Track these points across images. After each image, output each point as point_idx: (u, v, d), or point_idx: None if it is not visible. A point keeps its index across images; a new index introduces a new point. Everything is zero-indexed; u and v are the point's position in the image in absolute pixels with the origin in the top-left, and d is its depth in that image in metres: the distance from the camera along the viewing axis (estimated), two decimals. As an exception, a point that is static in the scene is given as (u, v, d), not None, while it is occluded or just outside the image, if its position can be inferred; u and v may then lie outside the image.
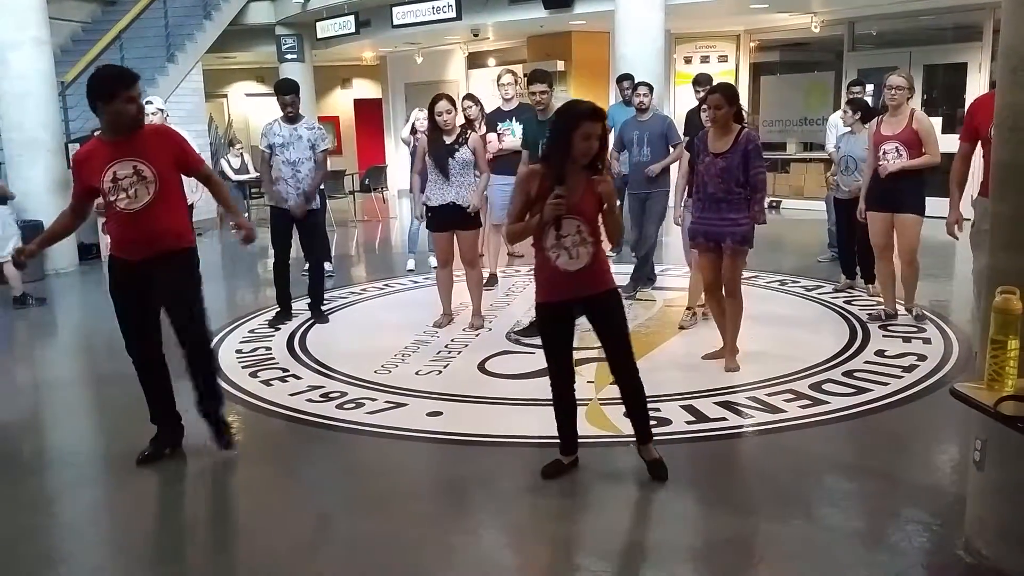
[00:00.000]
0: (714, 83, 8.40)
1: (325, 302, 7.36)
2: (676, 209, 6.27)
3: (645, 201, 7.39)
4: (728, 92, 5.28)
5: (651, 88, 7.67)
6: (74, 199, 4.29)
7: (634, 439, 3.97)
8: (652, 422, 4.47)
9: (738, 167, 5.15)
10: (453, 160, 6.28)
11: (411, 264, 9.29)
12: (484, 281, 7.40)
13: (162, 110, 8.25)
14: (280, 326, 6.95)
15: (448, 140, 6.30)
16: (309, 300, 7.19)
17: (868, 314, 6.61)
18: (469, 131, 6.50)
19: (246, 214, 13.34)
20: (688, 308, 6.52)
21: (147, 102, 8.30)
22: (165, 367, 4.37)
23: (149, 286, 4.19)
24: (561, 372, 3.92)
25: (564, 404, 3.96)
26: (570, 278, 3.71)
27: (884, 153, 6.04)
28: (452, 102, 6.37)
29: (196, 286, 4.31)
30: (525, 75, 15.45)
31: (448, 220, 6.42)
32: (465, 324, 6.70)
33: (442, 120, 6.27)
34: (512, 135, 7.86)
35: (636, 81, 7.89)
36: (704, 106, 5.77)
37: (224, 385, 5.50)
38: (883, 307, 6.50)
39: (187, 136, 8.37)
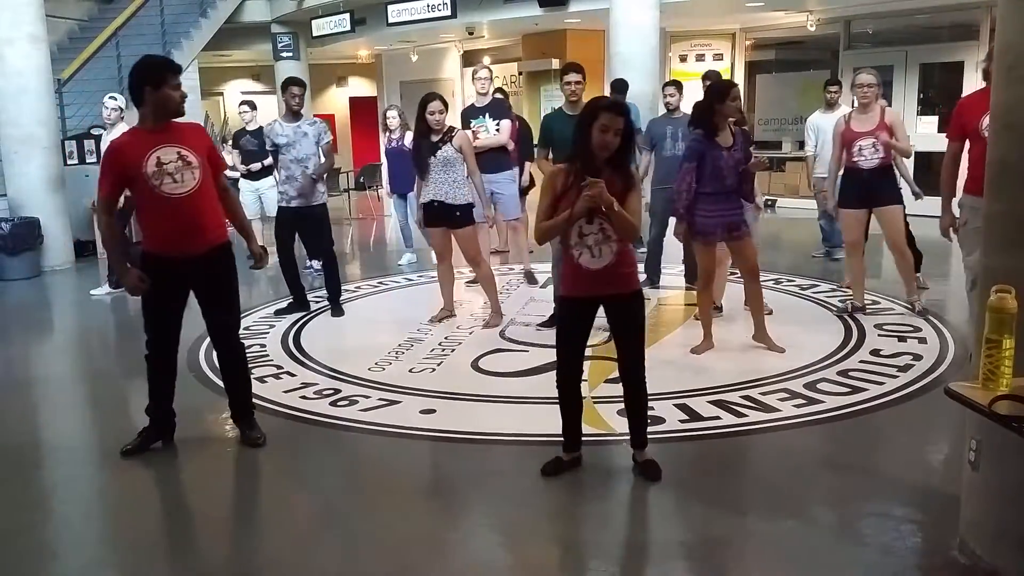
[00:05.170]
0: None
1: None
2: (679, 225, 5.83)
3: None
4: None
5: (679, 87, 7.84)
6: (107, 197, 4.10)
7: (627, 439, 3.96)
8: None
9: (742, 160, 5.56)
10: (434, 158, 6.24)
11: (406, 260, 9.36)
12: (525, 279, 8.00)
13: None
14: (293, 315, 7.14)
15: (434, 139, 6.26)
16: (328, 295, 7.31)
17: (837, 306, 6.80)
18: (456, 129, 6.43)
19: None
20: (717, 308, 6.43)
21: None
22: (176, 366, 4.41)
23: (188, 284, 4.20)
24: (571, 367, 3.89)
25: (571, 400, 3.93)
26: (593, 276, 3.68)
27: (860, 149, 6.14)
28: (444, 102, 6.32)
29: (236, 281, 4.37)
30: (520, 73, 15.56)
31: (435, 217, 6.41)
32: (459, 322, 6.70)
33: (433, 119, 6.21)
34: (485, 131, 7.83)
35: (665, 81, 7.98)
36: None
37: (217, 381, 5.53)
38: (852, 300, 6.65)
39: None
